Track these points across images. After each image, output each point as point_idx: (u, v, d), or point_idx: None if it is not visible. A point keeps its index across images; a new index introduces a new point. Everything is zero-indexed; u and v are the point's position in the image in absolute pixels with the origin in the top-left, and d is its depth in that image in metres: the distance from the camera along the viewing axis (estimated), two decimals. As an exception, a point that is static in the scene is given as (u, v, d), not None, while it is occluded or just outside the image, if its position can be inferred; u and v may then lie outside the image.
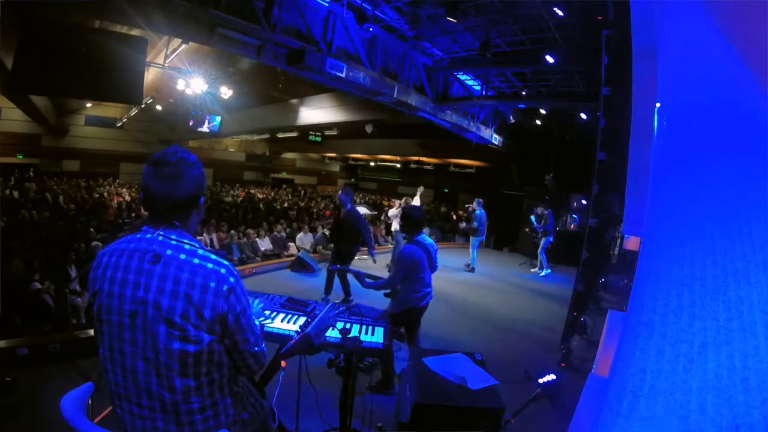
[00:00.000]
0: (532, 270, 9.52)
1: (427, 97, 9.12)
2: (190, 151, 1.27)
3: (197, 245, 1.25)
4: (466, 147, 13.03)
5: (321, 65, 6.40)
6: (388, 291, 3.58)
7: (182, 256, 1.19)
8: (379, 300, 3.60)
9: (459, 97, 10.02)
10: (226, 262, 1.24)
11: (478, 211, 9.04)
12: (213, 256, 1.23)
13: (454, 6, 6.23)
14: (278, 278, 7.40)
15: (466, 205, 10.11)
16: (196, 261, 1.19)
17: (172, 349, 1.16)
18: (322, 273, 7.81)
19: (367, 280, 3.48)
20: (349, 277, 5.70)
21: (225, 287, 1.19)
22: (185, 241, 1.23)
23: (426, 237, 3.53)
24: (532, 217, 9.40)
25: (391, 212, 8.66)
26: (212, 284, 1.18)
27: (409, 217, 3.54)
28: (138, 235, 1.24)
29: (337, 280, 5.77)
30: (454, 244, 12.62)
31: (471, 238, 9.17)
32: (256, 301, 2.03)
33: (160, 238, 1.21)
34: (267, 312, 2.16)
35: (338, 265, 5.38)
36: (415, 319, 3.61)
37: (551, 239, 9.08)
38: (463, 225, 9.58)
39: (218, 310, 1.18)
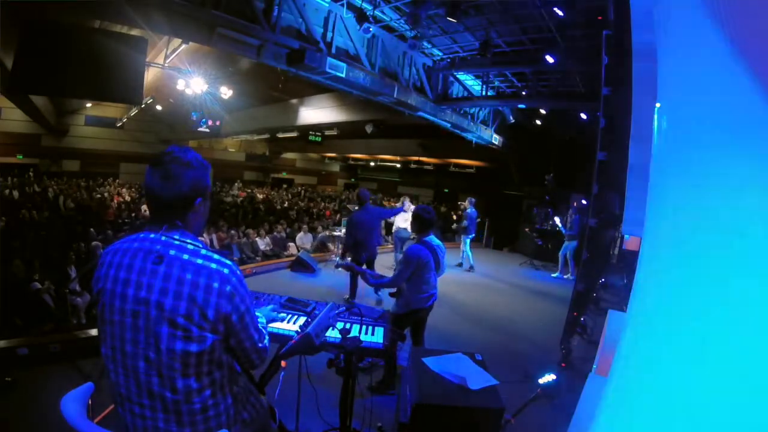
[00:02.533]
0: (553, 275, 9.12)
1: (427, 97, 9.12)
2: (193, 150, 1.27)
3: (200, 245, 1.25)
4: (466, 147, 13.02)
5: (321, 65, 6.41)
6: (393, 290, 3.58)
7: (185, 257, 1.19)
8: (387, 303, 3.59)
9: (459, 97, 10.01)
10: (229, 262, 1.23)
11: (468, 210, 9.11)
12: (216, 256, 1.23)
13: (454, 6, 6.23)
14: (278, 278, 7.39)
15: (459, 203, 10.07)
16: (199, 261, 1.19)
17: (174, 349, 1.16)
18: (322, 273, 7.82)
19: (372, 279, 3.48)
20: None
21: (228, 287, 1.19)
22: (188, 241, 1.23)
23: (434, 238, 3.51)
24: (557, 218, 9.18)
25: None
26: (215, 284, 1.18)
27: (417, 216, 3.53)
28: (141, 235, 1.24)
29: (346, 280, 5.73)
30: (455, 244, 12.64)
31: (462, 236, 9.20)
32: (270, 306, 2.05)
33: (164, 238, 1.21)
34: (282, 315, 2.16)
35: (344, 262, 5.35)
36: (420, 320, 3.61)
37: (576, 244, 8.49)
38: (455, 226, 9.51)
39: (222, 311, 1.19)
